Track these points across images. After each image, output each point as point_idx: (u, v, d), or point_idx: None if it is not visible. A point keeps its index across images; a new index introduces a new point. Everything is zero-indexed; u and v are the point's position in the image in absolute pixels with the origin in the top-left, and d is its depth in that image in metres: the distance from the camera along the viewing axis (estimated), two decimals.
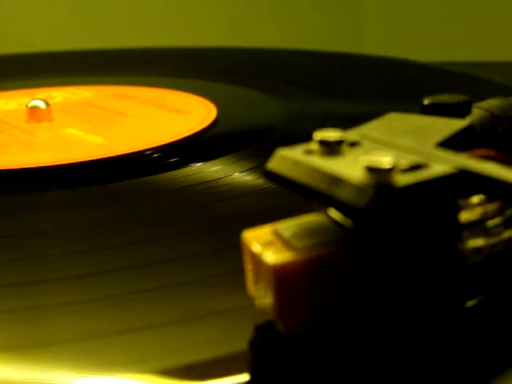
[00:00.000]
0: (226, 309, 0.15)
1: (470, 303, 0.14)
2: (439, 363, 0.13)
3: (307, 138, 0.14)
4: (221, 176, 0.24)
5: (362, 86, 0.41)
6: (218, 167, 0.25)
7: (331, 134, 0.14)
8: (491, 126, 0.18)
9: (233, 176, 0.24)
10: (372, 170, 0.12)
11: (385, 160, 0.12)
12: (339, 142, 0.14)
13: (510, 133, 0.19)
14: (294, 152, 0.14)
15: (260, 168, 0.25)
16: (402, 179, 0.12)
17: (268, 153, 0.14)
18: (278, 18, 0.93)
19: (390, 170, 0.12)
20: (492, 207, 0.15)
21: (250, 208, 0.22)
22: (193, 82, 0.42)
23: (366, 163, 0.12)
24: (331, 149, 0.14)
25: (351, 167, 0.13)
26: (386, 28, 0.95)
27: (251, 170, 0.25)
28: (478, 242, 0.14)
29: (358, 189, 0.12)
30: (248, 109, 0.36)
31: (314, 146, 0.14)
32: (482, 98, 0.19)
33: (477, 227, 0.15)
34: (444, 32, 0.89)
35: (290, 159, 0.14)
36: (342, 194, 0.12)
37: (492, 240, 0.15)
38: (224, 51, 0.55)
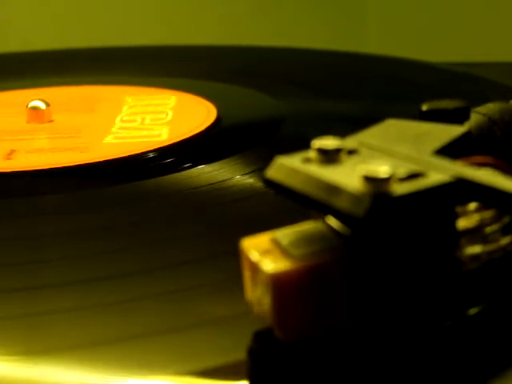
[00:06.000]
0: (224, 316, 0.16)
1: (471, 311, 0.14)
2: (438, 370, 0.13)
3: (307, 139, 0.14)
4: (221, 179, 0.24)
5: (363, 86, 0.41)
6: (219, 170, 0.25)
7: (329, 142, 0.14)
8: (489, 131, 0.18)
9: (234, 179, 0.24)
10: (369, 180, 0.12)
11: (382, 169, 0.12)
12: (337, 150, 0.14)
13: (508, 137, 0.19)
14: (292, 160, 0.14)
15: (260, 171, 0.25)
16: (400, 188, 0.12)
17: (269, 155, 0.15)
18: (278, 16, 0.93)
19: (387, 180, 0.12)
20: (489, 214, 0.15)
21: (251, 211, 0.22)
22: (191, 81, 0.42)
23: (364, 172, 0.12)
24: (329, 157, 0.14)
25: (349, 176, 0.13)
26: (387, 27, 0.94)
27: (253, 172, 0.25)
28: (475, 249, 0.14)
29: (356, 198, 0.12)
30: (248, 109, 0.36)
31: (312, 154, 0.14)
32: (484, 99, 0.19)
33: (474, 234, 0.15)
34: (444, 32, 0.89)
35: (288, 167, 0.14)
36: (340, 203, 0.12)
37: (490, 247, 0.15)
38: (223, 50, 0.55)
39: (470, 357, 0.14)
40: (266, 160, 0.15)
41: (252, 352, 0.14)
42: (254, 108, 0.36)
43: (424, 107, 0.18)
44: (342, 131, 0.16)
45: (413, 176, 0.13)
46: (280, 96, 0.37)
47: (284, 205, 0.21)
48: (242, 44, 0.56)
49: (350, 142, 0.15)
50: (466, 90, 0.38)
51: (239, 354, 0.14)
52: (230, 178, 0.24)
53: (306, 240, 0.14)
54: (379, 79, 0.43)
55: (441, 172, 0.13)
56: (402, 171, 0.13)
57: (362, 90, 0.40)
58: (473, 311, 0.14)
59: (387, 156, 0.14)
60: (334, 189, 0.13)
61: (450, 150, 0.15)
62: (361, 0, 0.96)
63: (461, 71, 0.43)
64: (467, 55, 0.72)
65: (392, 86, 0.41)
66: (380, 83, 0.42)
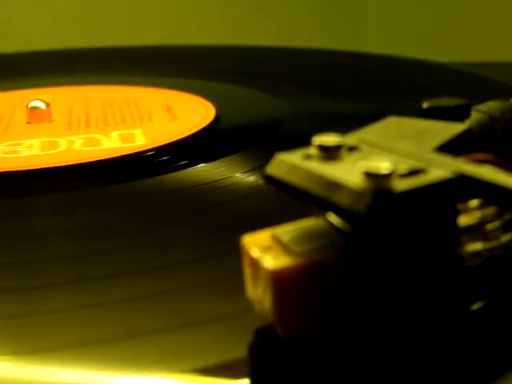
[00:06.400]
0: (225, 314, 0.16)
1: (473, 308, 0.14)
2: (441, 366, 0.13)
3: (307, 138, 0.14)
4: (220, 177, 0.24)
5: (364, 85, 0.41)
6: (217, 168, 0.25)
7: (330, 139, 0.14)
8: (490, 129, 0.18)
9: (233, 177, 0.24)
10: (370, 176, 0.12)
11: (383, 165, 0.12)
12: (338, 147, 0.14)
13: (508, 135, 0.19)
14: (292, 157, 0.14)
15: (260, 169, 0.25)
16: (401, 184, 0.12)
17: (269, 153, 0.15)
18: (277, 15, 0.93)
19: (388, 176, 0.12)
20: (491, 211, 0.15)
21: (250, 210, 0.22)
22: (190, 81, 0.42)
23: (365, 169, 0.12)
24: (330, 154, 0.14)
25: (350, 172, 0.13)
26: (388, 27, 0.94)
27: (251, 171, 0.25)
28: (476, 246, 0.14)
29: (357, 194, 0.12)
30: (247, 108, 0.36)
31: (312, 150, 0.14)
32: (485, 98, 0.19)
33: (475, 231, 0.15)
34: (445, 32, 0.89)
35: (288, 164, 0.14)
36: (341, 199, 0.12)
37: (491, 244, 0.15)
38: (223, 50, 0.55)
39: (472, 354, 0.14)
40: (265, 159, 0.15)
41: (253, 350, 0.14)
42: (254, 107, 0.36)
43: (425, 105, 0.18)
44: (343, 131, 0.16)
45: (414, 172, 0.13)
46: (280, 95, 0.37)
47: (284, 203, 0.21)
48: (242, 44, 0.56)
49: (350, 138, 0.15)
50: (467, 90, 0.38)
51: (240, 351, 0.14)
52: (229, 177, 0.24)
53: (307, 237, 0.14)
54: (380, 78, 0.43)
55: (442, 168, 0.13)
56: (403, 167, 0.13)
57: (362, 89, 0.40)
58: (474, 308, 0.14)
59: (388, 153, 0.14)
60: (334, 185, 0.13)
61: (450, 148, 0.15)
62: (361, 0, 0.96)
63: (461, 70, 0.43)
64: (467, 55, 0.72)
65: (392, 86, 0.41)
66: (380, 82, 0.42)
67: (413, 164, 0.13)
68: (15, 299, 0.17)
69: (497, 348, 0.14)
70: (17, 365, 0.14)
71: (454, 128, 0.16)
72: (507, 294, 0.15)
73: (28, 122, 0.33)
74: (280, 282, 0.13)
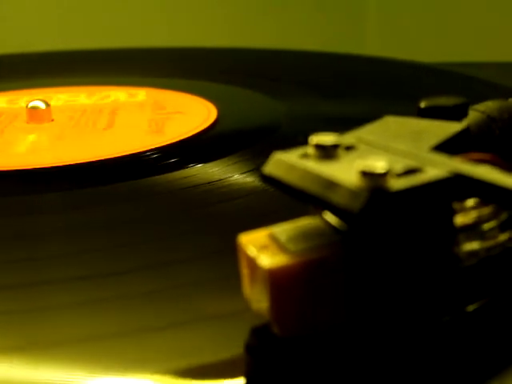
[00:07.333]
0: (222, 313, 0.16)
1: (469, 307, 0.14)
2: (437, 365, 0.13)
3: (306, 139, 0.14)
4: (221, 177, 0.24)
5: (362, 87, 0.41)
6: (218, 169, 0.25)
7: (327, 138, 0.14)
8: (488, 129, 0.18)
9: (233, 177, 0.24)
10: (366, 175, 0.12)
11: (379, 164, 0.12)
12: (335, 146, 0.14)
13: (506, 135, 0.19)
14: (290, 156, 0.14)
15: (260, 170, 0.25)
16: (397, 183, 0.12)
17: (268, 154, 0.15)
18: (277, 18, 0.93)
19: (384, 175, 0.12)
20: (487, 210, 0.15)
21: (250, 210, 0.22)
22: (192, 82, 0.42)
23: (361, 167, 0.12)
24: (327, 153, 0.14)
25: (346, 171, 0.13)
26: (386, 29, 0.95)
27: (252, 171, 0.25)
28: (473, 246, 0.14)
29: (353, 193, 0.12)
30: (248, 110, 0.36)
31: (309, 149, 0.14)
32: (481, 99, 0.19)
33: (472, 230, 0.15)
34: (444, 32, 0.89)
35: (285, 163, 0.14)
36: (337, 198, 0.12)
37: (487, 243, 0.15)
38: (224, 51, 0.55)
39: (468, 353, 0.14)
40: (265, 159, 0.15)
41: (249, 348, 0.14)
42: (255, 108, 0.36)
43: (422, 104, 0.18)
44: (341, 132, 0.16)
45: (410, 171, 0.13)
46: (279, 97, 0.37)
47: (285, 203, 0.21)
48: (243, 46, 0.57)
49: (347, 137, 0.15)
50: (466, 91, 0.38)
51: (236, 350, 0.14)
52: (230, 177, 0.24)
53: (304, 235, 0.14)
54: (378, 81, 0.43)
55: (438, 167, 0.13)
56: (400, 166, 0.13)
57: (360, 91, 0.40)
58: (471, 308, 0.14)
59: (385, 152, 0.14)
60: (331, 184, 0.13)
61: (447, 147, 0.15)
62: (359, 3, 0.96)
63: (460, 72, 0.43)
64: (467, 55, 0.72)
65: (391, 88, 0.41)
66: (379, 84, 0.42)
67: (409, 163, 0.13)
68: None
69: (493, 348, 0.14)
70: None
71: (452, 127, 0.16)
72: (504, 293, 0.15)
73: (28, 122, 0.33)
74: (277, 280, 0.13)
